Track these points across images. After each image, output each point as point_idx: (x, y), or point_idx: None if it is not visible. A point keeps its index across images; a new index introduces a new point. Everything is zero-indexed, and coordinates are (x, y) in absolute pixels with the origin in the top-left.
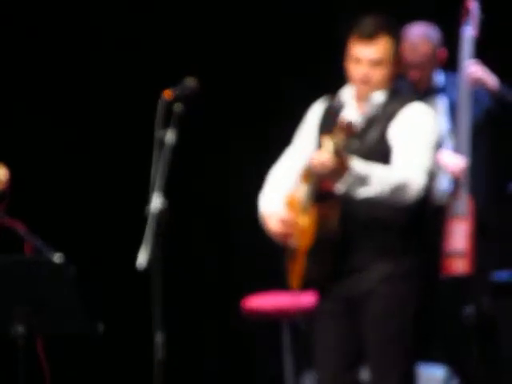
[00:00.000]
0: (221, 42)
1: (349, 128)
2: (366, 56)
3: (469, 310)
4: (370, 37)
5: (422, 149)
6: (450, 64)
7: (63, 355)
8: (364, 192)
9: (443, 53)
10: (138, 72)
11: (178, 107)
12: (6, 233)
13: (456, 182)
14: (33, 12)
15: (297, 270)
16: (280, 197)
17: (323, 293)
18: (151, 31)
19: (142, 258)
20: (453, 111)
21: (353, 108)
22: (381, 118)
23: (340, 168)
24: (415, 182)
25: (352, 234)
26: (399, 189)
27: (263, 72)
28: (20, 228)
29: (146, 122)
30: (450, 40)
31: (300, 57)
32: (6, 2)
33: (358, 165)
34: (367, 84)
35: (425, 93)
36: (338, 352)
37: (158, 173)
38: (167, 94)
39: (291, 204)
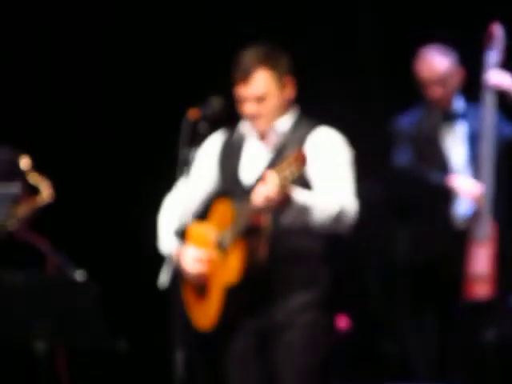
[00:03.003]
0: None
1: (303, 159)
2: (247, 94)
3: (490, 333)
4: (245, 75)
5: (344, 172)
6: (474, 91)
7: (83, 371)
8: (306, 222)
9: (461, 72)
10: (165, 90)
11: (202, 126)
12: (29, 249)
13: (476, 207)
14: (58, 30)
15: (207, 309)
16: (184, 233)
17: (235, 329)
18: (179, 49)
19: (164, 277)
20: (472, 140)
21: (255, 139)
22: (289, 146)
23: (285, 201)
24: (351, 207)
25: (273, 266)
26: (339, 216)
27: None
28: (44, 245)
29: (170, 141)
30: (474, 67)
31: None
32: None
33: (300, 196)
34: (259, 119)
35: (446, 117)
36: None
37: None
38: (192, 112)
39: (199, 240)
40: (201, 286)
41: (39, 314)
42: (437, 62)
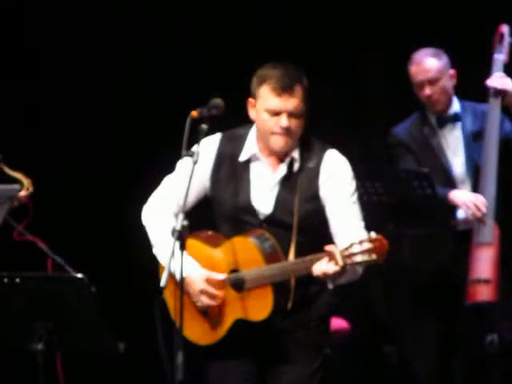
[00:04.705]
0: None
1: (382, 252)
2: (286, 108)
3: (492, 337)
4: (289, 88)
5: (356, 205)
6: (480, 92)
7: (82, 372)
8: (350, 279)
9: (454, 74)
10: (164, 91)
11: (203, 127)
12: (28, 249)
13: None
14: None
15: (211, 330)
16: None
17: (234, 343)
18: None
19: (165, 279)
20: (470, 143)
21: (264, 164)
22: (303, 176)
23: (342, 272)
24: None
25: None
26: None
27: None
28: (43, 245)
29: (170, 144)
30: (478, 69)
31: None
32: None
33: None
34: (288, 136)
35: (440, 121)
36: None
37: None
38: (194, 113)
39: (207, 264)
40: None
41: (38, 314)
42: (426, 62)
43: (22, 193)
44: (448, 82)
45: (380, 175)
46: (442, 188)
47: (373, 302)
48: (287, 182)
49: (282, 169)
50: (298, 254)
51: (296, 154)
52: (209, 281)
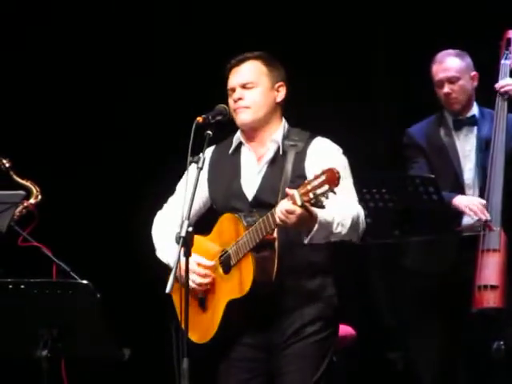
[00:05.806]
0: None
1: (335, 179)
2: (237, 81)
3: (498, 343)
4: (237, 63)
5: (347, 182)
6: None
7: (87, 379)
8: (328, 237)
9: (475, 76)
10: (168, 98)
11: (207, 132)
12: (32, 255)
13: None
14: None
15: (207, 321)
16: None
17: (235, 341)
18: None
19: (171, 285)
20: (480, 147)
21: (250, 149)
22: (289, 159)
23: (309, 218)
24: (362, 215)
25: (279, 280)
26: (355, 226)
27: None
28: (48, 251)
29: (172, 150)
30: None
31: None
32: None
33: (320, 212)
34: (246, 108)
35: (457, 124)
36: None
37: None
38: (199, 119)
39: (201, 252)
40: (198, 298)
41: (43, 321)
42: (447, 61)
43: (31, 201)
44: (468, 83)
45: (386, 181)
46: (448, 193)
47: (375, 304)
48: (273, 164)
49: (268, 152)
50: (282, 236)
51: (278, 137)
52: (200, 265)
